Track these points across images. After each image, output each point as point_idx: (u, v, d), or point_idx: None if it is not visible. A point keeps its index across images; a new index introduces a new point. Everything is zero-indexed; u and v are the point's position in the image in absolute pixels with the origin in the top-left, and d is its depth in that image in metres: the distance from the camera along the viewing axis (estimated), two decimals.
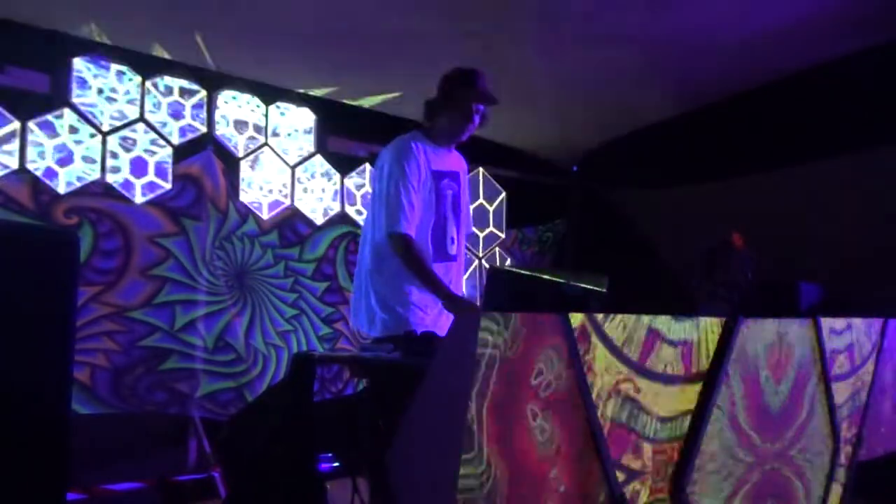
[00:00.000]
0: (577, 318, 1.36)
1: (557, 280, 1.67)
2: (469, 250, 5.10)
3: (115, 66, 3.61)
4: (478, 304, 2.47)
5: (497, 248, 5.29)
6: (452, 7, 3.30)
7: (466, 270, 4.88)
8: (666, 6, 3.32)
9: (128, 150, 3.64)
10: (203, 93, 3.92)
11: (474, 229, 5.14)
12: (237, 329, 3.94)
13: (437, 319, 2.44)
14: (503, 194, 5.33)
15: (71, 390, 1.89)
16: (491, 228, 5.27)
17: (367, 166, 4.55)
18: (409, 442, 1.26)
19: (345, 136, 4.50)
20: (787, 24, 3.45)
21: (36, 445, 1.72)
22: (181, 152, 3.82)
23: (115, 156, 3.60)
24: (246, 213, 4.05)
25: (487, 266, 5.14)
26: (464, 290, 2.71)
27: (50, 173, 3.39)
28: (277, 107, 4.22)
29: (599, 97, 4.28)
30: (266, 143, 4.17)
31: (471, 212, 2.86)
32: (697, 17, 3.43)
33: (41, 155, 3.38)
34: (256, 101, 4.13)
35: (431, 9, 3.30)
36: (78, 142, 3.49)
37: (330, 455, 3.06)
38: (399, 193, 2.38)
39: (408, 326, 2.37)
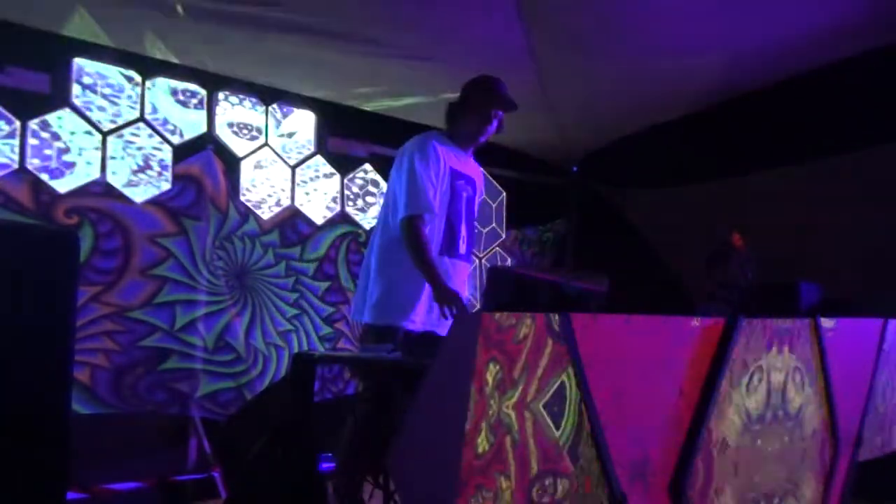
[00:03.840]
0: (577, 318, 1.36)
1: (557, 280, 1.67)
2: None
3: (115, 66, 3.61)
4: (467, 302, 2.53)
5: (497, 248, 5.29)
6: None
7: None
8: (668, 11, 3.32)
9: (128, 150, 3.64)
10: (203, 93, 3.92)
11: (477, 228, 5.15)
12: (237, 329, 3.94)
13: (426, 319, 2.50)
14: (503, 194, 5.33)
15: (71, 390, 1.89)
16: (493, 225, 5.28)
17: (368, 166, 4.56)
18: (409, 442, 1.26)
19: (345, 136, 4.50)
20: (788, 27, 3.46)
21: (36, 445, 1.72)
22: (181, 152, 3.82)
23: (115, 156, 3.60)
24: (246, 212, 4.05)
25: (487, 266, 5.14)
26: (466, 292, 2.75)
27: (50, 173, 3.40)
28: (277, 107, 4.22)
29: (600, 98, 4.28)
30: (266, 143, 4.17)
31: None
32: (698, 22, 3.43)
33: (41, 155, 3.38)
34: (256, 101, 4.13)
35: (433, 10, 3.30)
36: (78, 142, 3.49)
37: (330, 455, 3.07)
38: (421, 178, 2.47)
39: (396, 321, 2.44)
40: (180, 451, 3.72)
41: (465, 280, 2.72)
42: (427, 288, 2.45)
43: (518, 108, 2.65)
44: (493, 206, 5.29)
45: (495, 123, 2.63)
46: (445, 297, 2.34)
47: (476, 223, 2.77)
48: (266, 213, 4.13)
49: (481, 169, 2.84)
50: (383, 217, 2.62)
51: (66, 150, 3.46)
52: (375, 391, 2.37)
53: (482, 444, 1.22)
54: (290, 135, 4.28)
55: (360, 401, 2.46)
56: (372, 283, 2.54)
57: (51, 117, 3.41)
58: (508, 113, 2.66)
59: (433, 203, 2.47)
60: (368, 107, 4.38)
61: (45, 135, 3.39)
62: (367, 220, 4.54)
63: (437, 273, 2.39)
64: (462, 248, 2.64)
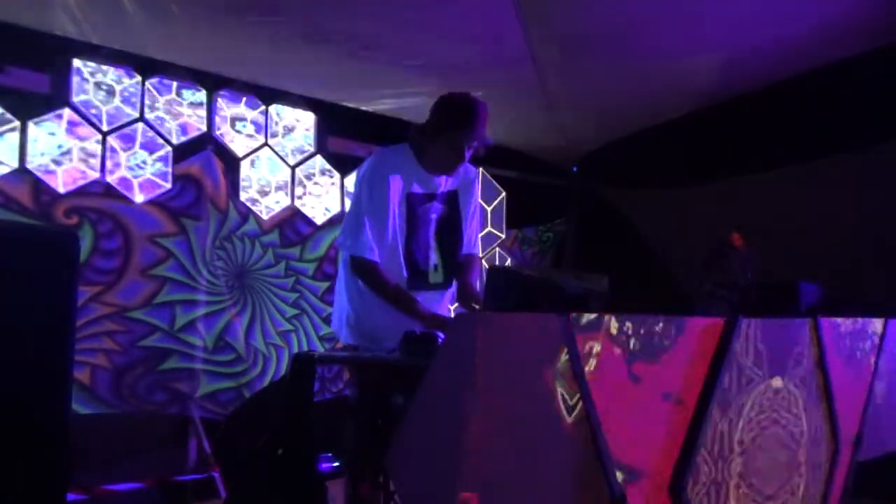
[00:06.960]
0: (576, 318, 1.36)
1: (557, 280, 1.67)
2: None
3: (114, 67, 3.61)
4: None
5: (497, 248, 5.29)
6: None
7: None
8: (667, 12, 3.32)
9: (127, 149, 3.64)
10: (203, 93, 3.92)
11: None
12: (237, 329, 3.94)
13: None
14: (503, 194, 5.33)
15: (71, 390, 1.89)
16: (490, 228, 5.27)
17: None
18: (409, 442, 1.26)
19: (345, 136, 4.50)
20: (787, 27, 3.46)
21: (36, 446, 1.72)
22: (181, 152, 3.82)
23: (114, 156, 3.60)
24: (246, 212, 4.05)
25: (487, 266, 5.14)
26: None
27: (50, 173, 3.39)
28: (277, 107, 4.22)
29: (600, 98, 4.28)
30: (266, 143, 4.17)
31: (476, 229, 2.63)
32: (697, 22, 3.43)
33: (41, 155, 3.38)
34: (256, 101, 4.13)
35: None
36: (78, 142, 3.49)
37: (330, 455, 3.06)
38: (362, 215, 2.30)
39: (375, 342, 2.32)
40: (180, 451, 3.72)
41: (446, 308, 2.51)
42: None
43: (493, 144, 2.37)
44: (493, 206, 5.29)
45: (469, 154, 2.34)
46: (433, 325, 2.16)
47: (465, 239, 2.52)
48: (266, 213, 4.13)
49: (469, 173, 2.55)
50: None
51: (66, 151, 3.46)
52: (373, 391, 2.37)
53: (481, 443, 1.22)
54: (290, 134, 4.29)
55: (360, 401, 2.46)
56: (346, 303, 2.42)
57: (51, 117, 3.41)
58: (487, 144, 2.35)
59: (374, 247, 2.29)
60: (368, 107, 4.39)
61: (45, 135, 3.39)
62: None
63: (411, 304, 2.25)
64: (435, 278, 2.43)
